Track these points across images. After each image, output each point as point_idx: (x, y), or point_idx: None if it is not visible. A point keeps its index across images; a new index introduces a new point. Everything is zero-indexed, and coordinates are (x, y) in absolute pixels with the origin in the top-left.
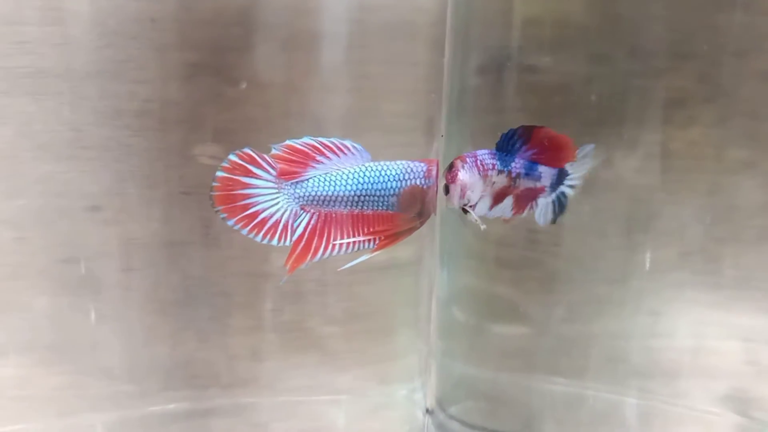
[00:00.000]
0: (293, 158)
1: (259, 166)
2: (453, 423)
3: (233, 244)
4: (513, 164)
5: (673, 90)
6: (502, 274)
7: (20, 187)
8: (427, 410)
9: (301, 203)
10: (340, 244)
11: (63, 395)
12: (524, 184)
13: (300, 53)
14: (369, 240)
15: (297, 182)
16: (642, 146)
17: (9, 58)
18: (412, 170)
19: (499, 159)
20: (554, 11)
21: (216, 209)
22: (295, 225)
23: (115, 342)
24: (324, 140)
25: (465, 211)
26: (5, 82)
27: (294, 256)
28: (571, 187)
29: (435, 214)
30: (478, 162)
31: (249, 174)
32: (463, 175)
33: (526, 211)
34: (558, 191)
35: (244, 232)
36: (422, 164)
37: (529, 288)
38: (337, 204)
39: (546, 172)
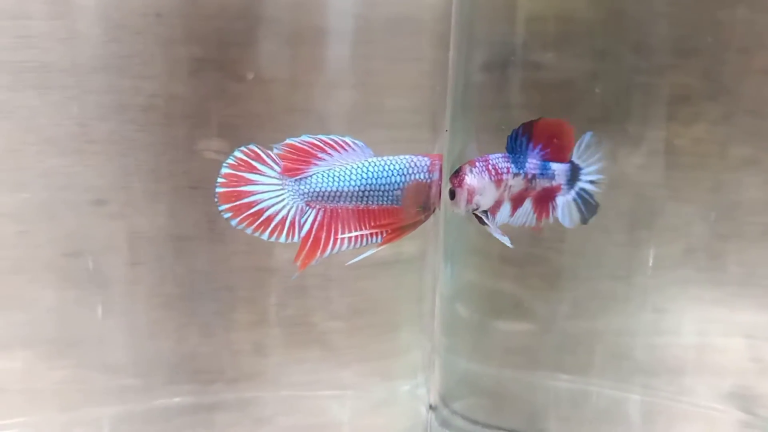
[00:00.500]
0: (295, 156)
1: (264, 163)
2: (457, 419)
3: (238, 239)
4: (527, 165)
5: (678, 87)
6: (506, 270)
7: (25, 181)
8: (431, 406)
9: (306, 199)
10: (348, 239)
11: (67, 389)
12: (540, 184)
13: (305, 48)
14: (375, 234)
15: (301, 178)
16: (646, 143)
17: (14, 52)
18: (415, 165)
19: (513, 162)
20: (558, 7)
21: (221, 208)
22: (302, 221)
23: (120, 336)
24: (324, 137)
25: (480, 221)
26: (10, 76)
27: (304, 252)
28: (592, 182)
29: (439, 209)
30: (490, 166)
31: (254, 170)
32: (471, 179)
33: (551, 215)
34: (577, 188)
35: (249, 230)
36: (425, 158)
37: (533, 284)
38: (343, 199)
39: (558, 169)
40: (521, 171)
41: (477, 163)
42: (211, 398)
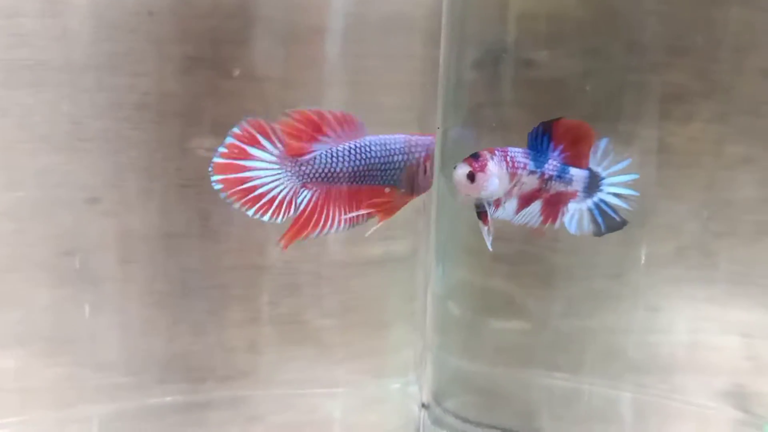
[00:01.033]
0: (301, 128)
1: (269, 139)
2: (449, 417)
3: (230, 237)
4: (546, 166)
5: (671, 85)
6: (498, 268)
7: (19, 179)
8: (423, 404)
9: (304, 181)
10: (339, 221)
11: (61, 387)
12: (555, 187)
13: (297, 46)
14: (366, 215)
15: (301, 160)
16: (639, 141)
17: (8, 51)
18: (417, 143)
19: (532, 159)
20: (550, 5)
21: (213, 178)
22: (298, 202)
23: (113, 334)
24: (335, 111)
25: (479, 213)
26: (4, 73)
27: (292, 231)
28: (615, 195)
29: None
30: (508, 157)
31: (257, 144)
32: (493, 166)
33: (558, 221)
34: (596, 198)
35: (236, 205)
36: (428, 137)
37: (526, 283)
38: (342, 179)
39: (577, 175)
40: (538, 170)
41: (496, 152)
42: (203, 396)
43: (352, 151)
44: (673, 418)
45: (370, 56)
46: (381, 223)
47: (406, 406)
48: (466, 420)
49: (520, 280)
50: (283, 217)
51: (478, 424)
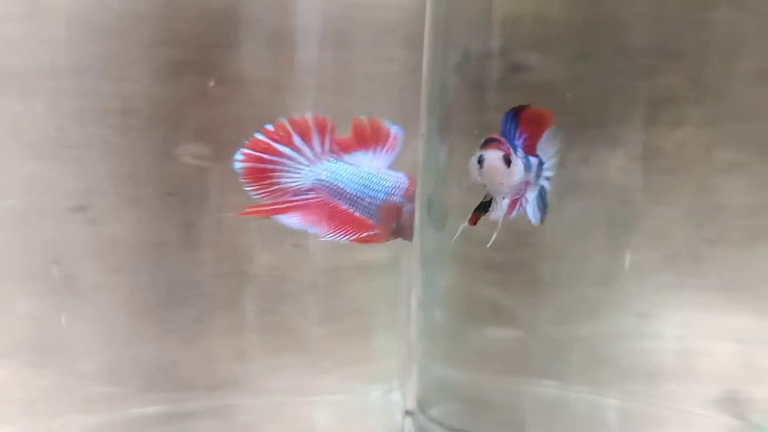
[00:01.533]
0: (366, 135)
1: (304, 137)
2: (433, 426)
3: (217, 245)
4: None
5: (661, 89)
6: (483, 275)
7: (6, 187)
8: (408, 412)
9: (314, 185)
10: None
11: (47, 398)
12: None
13: (284, 51)
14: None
15: (327, 162)
16: (628, 146)
17: None
18: (398, 185)
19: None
20: (535, 9)
21: (239, 165)
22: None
23: (99, 344)
24: (392, 127)
25: (483, 210)
26: None
27: (258, 207)
28: (547, 179)
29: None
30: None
31: (289, 143)
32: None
33: (515, 211)
34: (539, 184)
35: (250, 188)
36: (406, 180)
37: (513, 290)
38: (340, 198)
39: (534, 163)
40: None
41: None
42: (191, 406)
43: (358, 175)
44: (664, 426)
45: (355, 61)
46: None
47: (389, 414)
48: (451, 428)
49: (507, 287)
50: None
51: None
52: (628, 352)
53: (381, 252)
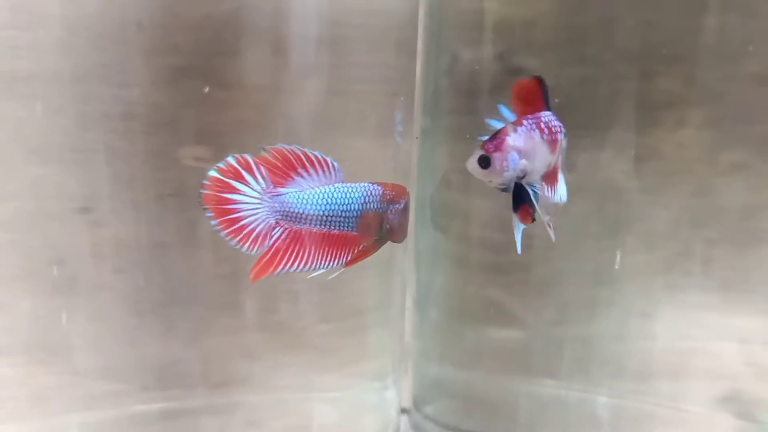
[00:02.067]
0: (278, 164)
1: (251, 173)
2: (428, 423)
3: (218, 246)
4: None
5: (661, 92)
6: (479, 274)
7: (12, 190)
8: (403, 410)
9: (277, 217)
10: (305, 262)
11: (51, 395)
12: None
13: (282, 56)
14: (334, 259)
15: (276, 196)
16: (627, 149)
17: (1, 63)
18: (371, 193)
19: (558, 120)
20: (526, 14)
21: (203, 207)
22: (271, 234)
23: (103, 342)
24: (309, 152)
25: (521, 197)
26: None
27: (258, 267)
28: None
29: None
30: (542, 123)
31: (240, 179)
32: (514, 140)
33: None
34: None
35: (224, 233)
36: (378, 187)
37: (510, 289)
38: (307, 222)
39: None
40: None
41: (525, 122)
42: (193, 403)
43: (316, 196)
44: (661, 425)
45: (350, 66)
46: (337, 272)
47: (384, 411)
48: (445, 426)
49: (503, 286)
50: (257, 249)
51: (458, 430)
52: (628, 351)
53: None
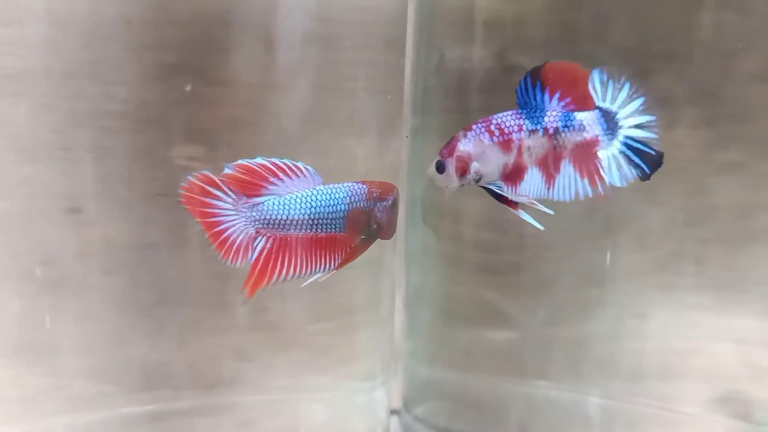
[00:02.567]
0: (247, 178)
1: (217, 187)
2: (418, 424)
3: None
4: (546, 119)
5: (655, 90)
6: (470, 274)
7: (2, 190)
8: (394, 411)
9: (257, 226)
10: (297, 267)
11: (40, 396)
12: (569, 140)
13: (272, 53)
14: (325, 262)
15: (253, 205)
16: None
17: None
18: (356, 193)
19: (527, 117)
20: (516, 11)
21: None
22: (254, 246)
23: (93, 343)
24: (277, 161)
25: (498, 198)
26: None
27: (252, 280)
28: (639, 127)
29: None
30: (492, 126)
31: (207, 194)
32: (464, 145)
33: (601, 176)
34: (621, 138)
35: (213, 247)
36: (364, 186)
37: (502, 290)
38: (292, 227)
39: (587, 118)
40: (539, 126)
41: (475, 126)
42: (183, 404)
43: (297, 201)
44: (661, 427)
45: (340, 63)
46: (330, 273)
47: (373, 411)
48: (435, 427)
49: (495, 287)
50: (241, 261)
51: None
52: (621, 352)
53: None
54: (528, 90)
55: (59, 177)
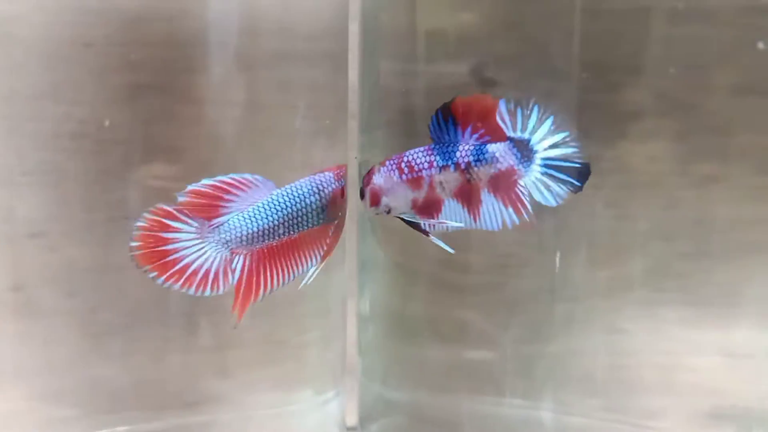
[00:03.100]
0: (201, 201)
1: (177, 219)
2: None
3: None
4: (457, 154)
5: (628, 104)
6: (421, 290)
7: None
8: (350, 429)
9: (230, 247)
10: (282, 275)
11: (10, 421)
12: (483, 173)
13: (204, 73)
14: (308, 259)
15: (217, 226)
16: (596, 162)
17: None
18: (324, 180)
19: (438, 153)
20: (454, 22)
21: (143, 269)
22: (233, 268)
23: (61, 366)
24: (224, 178)
25: (417, 228)
26: None
27: (239, 300)
28: (554, 147)
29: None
30: (403, 164)
31: (168, 229)
32: (377, 179)
33: (524, 203)
34: (539, 162)
35: (177, 287)
36: (330, 173)
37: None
38: (266, 237)
39: (499, 150)
40: (450, 162)
41: (388, 162)
42: (155, 425)
43: (261, 209)
44: None
45: (292, 81)
46: (321, 265)
47: (324, 428)
48: None
49: (450, 302)
50: (223, 287)
51: None
52: (600, 368)
53: None
54: (440, 126)
55: (20, 201)
